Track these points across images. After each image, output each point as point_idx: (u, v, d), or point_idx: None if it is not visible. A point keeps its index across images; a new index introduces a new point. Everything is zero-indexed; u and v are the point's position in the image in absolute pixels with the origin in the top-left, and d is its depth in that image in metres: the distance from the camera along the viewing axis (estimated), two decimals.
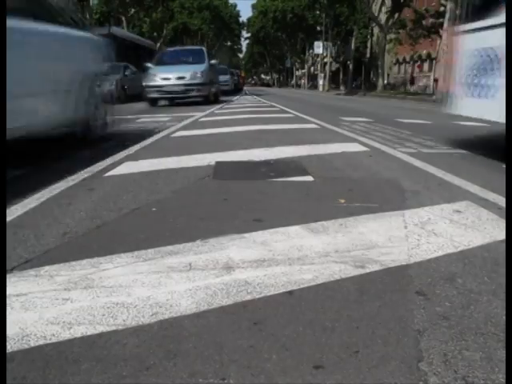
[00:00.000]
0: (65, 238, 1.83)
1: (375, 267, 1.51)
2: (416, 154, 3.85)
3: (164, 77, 12.31)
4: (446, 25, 16.98)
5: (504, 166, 3.13)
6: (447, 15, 16.77)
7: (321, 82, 41.37)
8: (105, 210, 2.21)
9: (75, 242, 1.78)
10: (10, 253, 1.65)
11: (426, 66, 39.73)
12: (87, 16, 23.70)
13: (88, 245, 1.74)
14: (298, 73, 64.95)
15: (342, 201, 2.32)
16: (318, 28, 43.50)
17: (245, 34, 65.80)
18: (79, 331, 1.15)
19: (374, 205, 2.25)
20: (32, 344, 1.10)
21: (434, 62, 33.27)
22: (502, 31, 3.07)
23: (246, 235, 1.81)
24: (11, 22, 2.72)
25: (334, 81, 44.14)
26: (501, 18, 3.14)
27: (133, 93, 14.94)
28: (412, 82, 36.36)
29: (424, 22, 27.86)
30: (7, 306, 1.27)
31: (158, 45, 35.66)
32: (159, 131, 5.77)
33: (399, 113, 9.49)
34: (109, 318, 1.21)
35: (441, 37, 19.70)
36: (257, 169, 3.22)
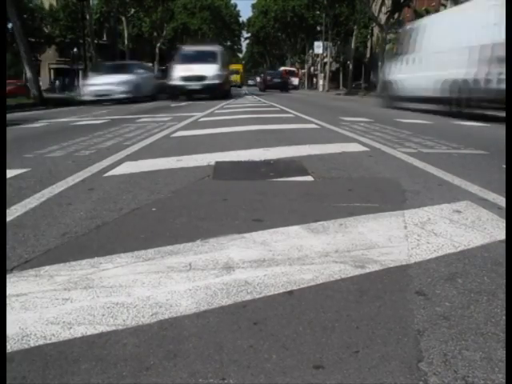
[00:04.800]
0: (65, 237, 1.83)
1: (375, 267, 1.51)
2: (416, 153, 3.85)
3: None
4: None
5: (504, 166, 3.13)
6: None
7: (321, 82, 41.33)
8: (105, 210, 2.21)
9: (75, 242, 1.78)
10: (10, 253, 1.65)
11: None
12: (87, 16, 23.67)
13: (88, 245, 1.74)
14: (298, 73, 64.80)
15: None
16: (318, 28, 43.49)
17: (245, 34, 65.78)
18: (79, 331, 1.15)
19: (374, 205, 2.25)
20: (32, 344, 1.10)
21: None
22: None
23: (246, 235, 1.81)
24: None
25: (333, 81, 44.14)
26: None
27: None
28: None
29: None
30: (7, 305, 1.27)
31: (158, 45, 35.66)
32: (159, 131, 5.78)
33: (399, 113, 9.48)
34: (109, 318, 1.21)
35: None
36: (257, 169, 3.22)
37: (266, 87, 27.79)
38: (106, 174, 3.08)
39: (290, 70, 48.58)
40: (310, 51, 50.71)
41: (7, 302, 1.29)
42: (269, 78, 29.53)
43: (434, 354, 1.05)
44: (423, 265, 1.54)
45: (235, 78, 42.97)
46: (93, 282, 1.41)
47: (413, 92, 9.94)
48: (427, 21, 10.69)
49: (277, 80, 28.49)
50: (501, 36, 6.48)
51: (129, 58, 30.08)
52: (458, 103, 8.19)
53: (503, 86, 6.54)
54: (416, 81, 9.77)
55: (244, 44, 79.86)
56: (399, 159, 3.61)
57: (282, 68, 52.64)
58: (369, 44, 44.27)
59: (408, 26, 11.96)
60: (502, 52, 6.39)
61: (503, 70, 6.63)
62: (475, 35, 7.62)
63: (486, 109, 7.80)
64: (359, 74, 38.11)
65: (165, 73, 36.93)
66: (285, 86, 27.64)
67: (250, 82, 45.56)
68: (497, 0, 7.04)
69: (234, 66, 45.22)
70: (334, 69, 47.44)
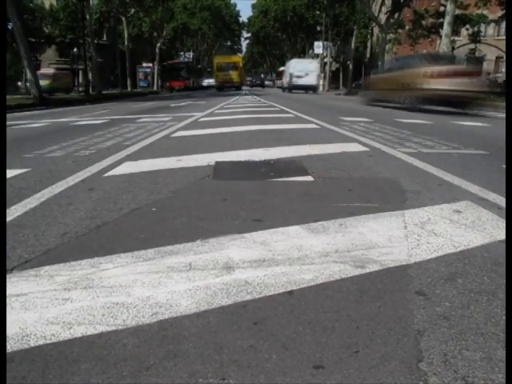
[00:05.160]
0: (65, 237, 1.83)
1: (375, 267, 1.51)
2: (416, 153, 3.85)
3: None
4: (445, 26, 16.95)
5: (504, 166, 3.13)
6: (447, 16, 16.73)
7: (321, 82, 41.27)
8: (105, 210, 2.21)
9: (75, 242, 1.78)
10: (10, 253, 1.66)
11: None
12: (87, 16, 23.67)
13: (88, 245, 1.74)
14: None
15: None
16: (318, 28, 43.49)
17: (245, 34, 65.74)
18: (79, 331, 1.15)
19: (374, 205, 2.25)
20: (32, 344, 1.10)
21: None
22: None
23: (246, 235, 1.81)
24: None
25: (334, 81, 44.09)
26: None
27: None
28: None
29: (424, 22, 27.85)
30: (7, 305, 1.27)
31: (158, 45, 35.68)
32: (159, 131, 5.78)
33: (399, 113, 9.48)
34: (109, 318, 1.21)
35: (440, 37, 19.70)
36: (257, 169, 3.22)
37: (252, 85, 50.18)
38: (106, 174, 3.08)
39: None
40: (310, 51, 50.69)
41: (7, 301, 1.29)
42: (254, 80, 55.14)
43: (434, 354, 1.05)
44: (423, 265, 1.54)
45: (232, 75, 34.37)
46: (93, 281, 1.41)
47: (286, 86, 30.32)
48: (288, 62, 32.48)
49: (258, 81, 53.16)
50: (294, 70, 28.94)
51: (129, 57, 30.09)
52: (287, 89, 29.66)
53: (294, 83, 28.65)
54: (286, 83, 30.60)
55: (244, 44, 79.88)
56: (399, 159, 3.61)
57: (282, 68, 52.74)
58: (369, 44, 44.26)
59: (286, 62, 34.75)
60: (294, 74, 28.77)
61: (295, 80, 28.63)
62: (290, 69, 29.70)
63: (296, 90, 28.29)
64: (359, 74, 38.06)
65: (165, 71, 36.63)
66: (262, 84, 50.59)
67: (249, 83, 48.81)
68: (297, 59, 33.54)
69: (231, 58, 37.25)
70: (334, 69, 47.42)
